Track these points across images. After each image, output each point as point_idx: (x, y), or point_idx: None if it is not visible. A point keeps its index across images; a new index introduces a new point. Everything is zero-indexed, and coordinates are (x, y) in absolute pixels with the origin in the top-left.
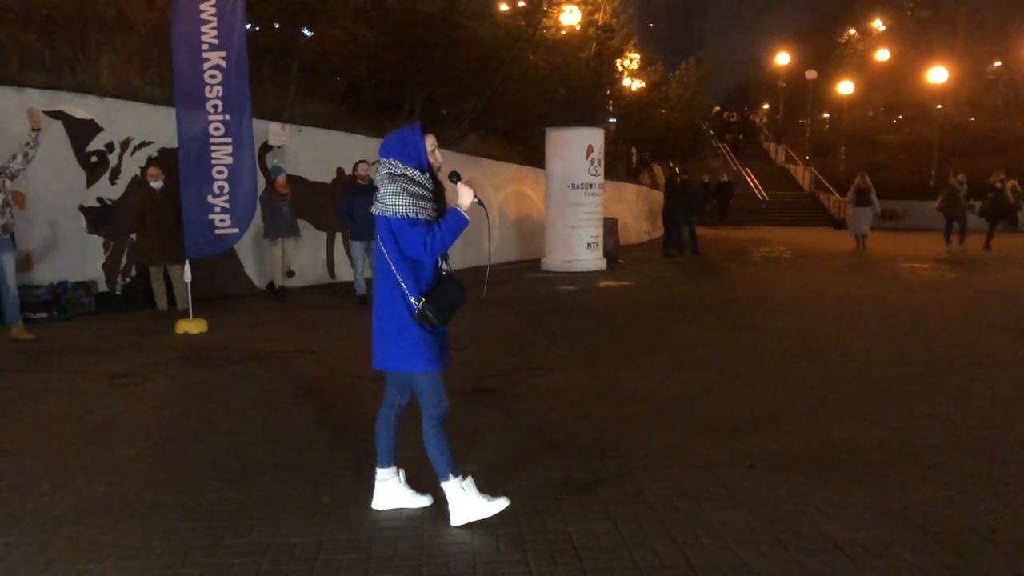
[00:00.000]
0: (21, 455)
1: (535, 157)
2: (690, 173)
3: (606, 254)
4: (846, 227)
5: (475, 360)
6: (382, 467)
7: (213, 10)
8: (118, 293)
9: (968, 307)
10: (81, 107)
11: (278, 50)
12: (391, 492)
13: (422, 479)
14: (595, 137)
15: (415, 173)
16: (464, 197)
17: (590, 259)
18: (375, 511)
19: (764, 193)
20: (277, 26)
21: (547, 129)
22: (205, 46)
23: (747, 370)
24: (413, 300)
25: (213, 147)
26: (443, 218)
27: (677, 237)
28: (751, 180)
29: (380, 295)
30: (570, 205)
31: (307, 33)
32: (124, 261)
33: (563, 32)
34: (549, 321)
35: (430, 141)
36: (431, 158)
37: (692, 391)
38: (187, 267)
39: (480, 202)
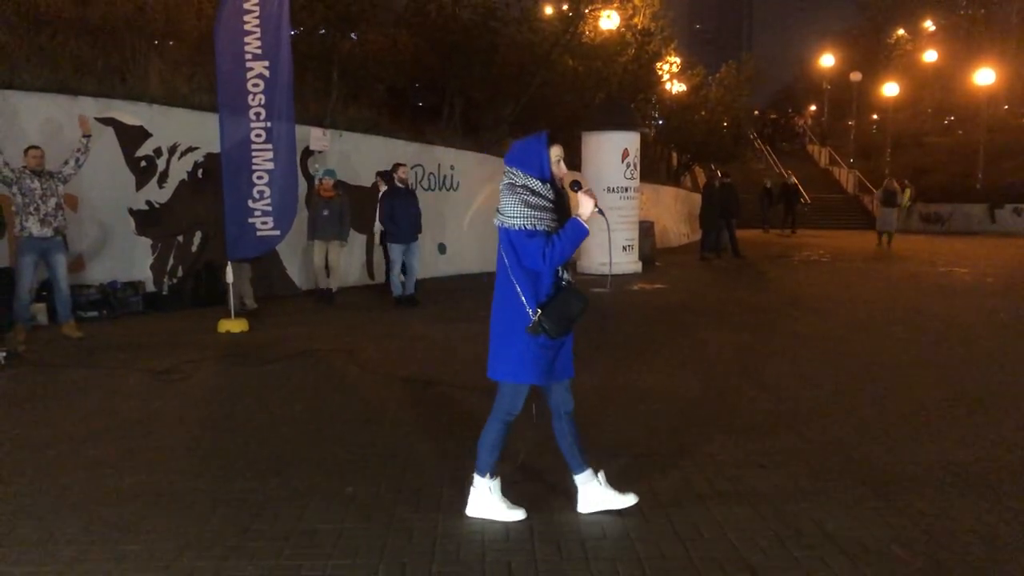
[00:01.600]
0: (64, 445)
1: (575, 160)
2: (733, 176)
3: (642, 257)
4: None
5: None
6: (577, 473)
7: (257, 21)
8: (165, 293)
9: (1000, 314)
10: (131, 114)
11: (320, 56)
12: (593, 494)
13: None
14: (630, 141)
15: (535, 183)
16: (584, 207)
17: (625, 262)
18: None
19: (807, 196)
20: (322, 32)
21: (583, 133)
22: (249, 56)
23: (768, 372)
24: (530, 312)
25: (255, 153)
26: (562, 229)
27: (715, 240)
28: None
29: (497, 304)
30: (605, 208)
31: (352, 36)
32: (171, 262)
33: (601, 37)
34: (579, 323)
35: (555, 152)
36: (554, 168)
37: (710, 392)
38: (229, 268)
39: (601, 211)
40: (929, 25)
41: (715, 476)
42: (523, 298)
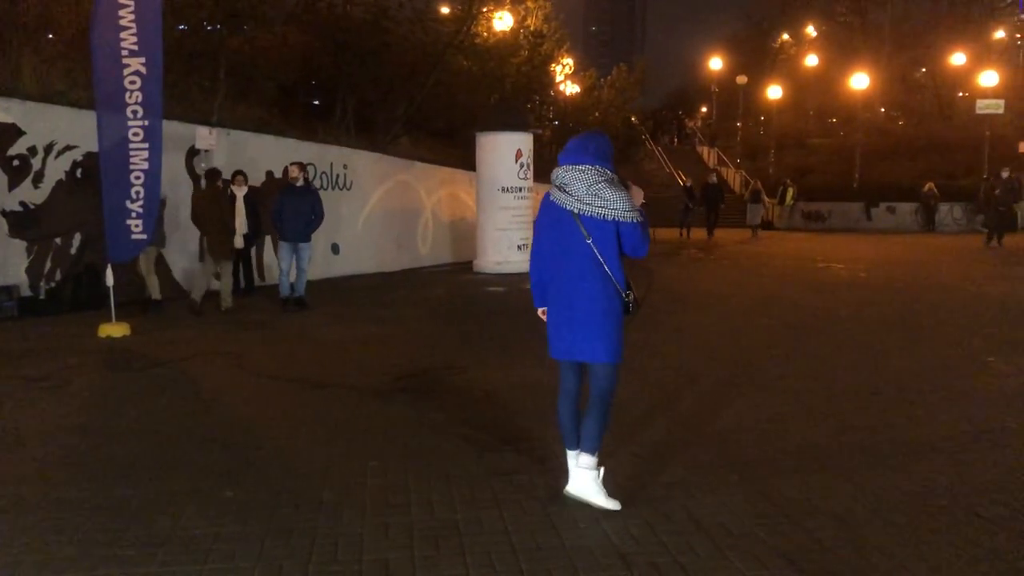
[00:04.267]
0: None
1: (472, 160)
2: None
3: None
4: (774, 228)
5: (395, 360)
6: (571, 449)
7: (132, 16)
8: (42, 298)
9: (866, 304)
10: (2, 110)
11: (207, 53)
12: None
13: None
14: (524, 141)
15: (616, 178)
16: (639, 198)
17: (520, 261)
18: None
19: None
20: (208, 28)
21: (477, 133)
22: (125, 52)
23: (648, 365)
24: (624, 294)
25: (132, 152)
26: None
27: None
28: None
29: (588, 293)
30: (500, 208)
31: (244, 28)
32: (49, 265)
33: (495, 38)
34: (474, 321)
35: None
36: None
37: None
38: (109, 270)
39: (646, 204)
40: (811, 31)
41: None
42: (618, 285)
